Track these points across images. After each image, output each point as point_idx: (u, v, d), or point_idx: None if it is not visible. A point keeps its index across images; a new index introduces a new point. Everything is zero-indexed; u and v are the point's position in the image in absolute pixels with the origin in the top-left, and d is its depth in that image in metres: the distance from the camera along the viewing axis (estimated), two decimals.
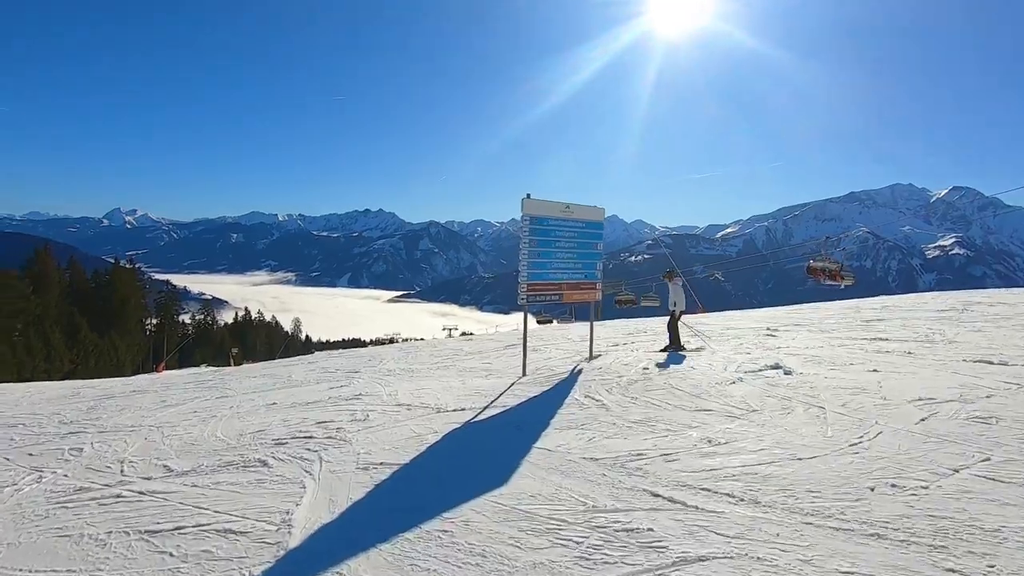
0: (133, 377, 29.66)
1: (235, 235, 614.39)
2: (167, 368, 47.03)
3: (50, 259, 55.93)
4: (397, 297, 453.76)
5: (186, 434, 7.14)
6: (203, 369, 39.35)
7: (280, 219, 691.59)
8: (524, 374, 9.50)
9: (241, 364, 49.12)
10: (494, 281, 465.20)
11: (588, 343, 11.32)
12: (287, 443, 5.96)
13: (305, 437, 6.12)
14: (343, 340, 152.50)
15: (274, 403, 9.02)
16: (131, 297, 62.94)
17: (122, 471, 5.62)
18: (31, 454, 7.34)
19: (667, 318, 11.61)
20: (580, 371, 9.17)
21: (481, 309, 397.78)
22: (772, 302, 35.03)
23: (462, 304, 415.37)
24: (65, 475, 5.73)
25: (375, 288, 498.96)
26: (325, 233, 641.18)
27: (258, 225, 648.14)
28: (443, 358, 14.29)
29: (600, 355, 11.05)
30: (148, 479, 5.26)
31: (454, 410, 7.10)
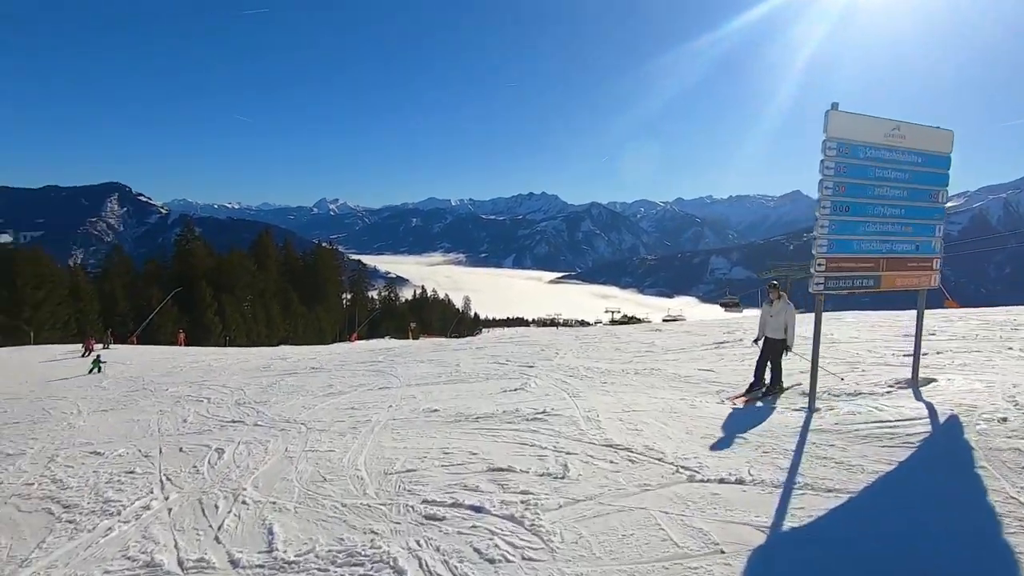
0: (329, 346, 32.19)
1: (415, 220, 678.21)
2: (359, 338, 51.78)
3: (270, 242, 65.21)
4: (559, 278, 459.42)
5: (327, 452, 5.47)
6: (387, 341, 42.03)
7: (453, 204, 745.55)
8: (813, 406, 5.83)
9: (418, 338, 52.03)
10: (657, 263, 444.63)
11: (874, 352, 7.55)
12: (444, 519, 3.67)
13: (471, 508, 3.79)
14: (507, 318, 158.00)
15: (436, 410, 7.14)
16: (331, 275, 71.02)
17: (216, 536, 3.89)
18: (181, 449, 6.36)
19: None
20: (930, 417, 4.96)
21: (642, 292, 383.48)
22: (1010, 295, 25.04)
23: (623, 286, 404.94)
24: (169, 509, 4.28)
25: (537, 269, 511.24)
26: (492, 216, 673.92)
27: (434, 210, 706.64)
28: (634, 354, 11.47)
29: (933, 381, 6.35)
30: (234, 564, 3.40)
31: (714, 480, 4.10)
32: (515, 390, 8.27)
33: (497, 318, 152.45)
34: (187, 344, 32.39)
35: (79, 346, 24.49)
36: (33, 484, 5.48)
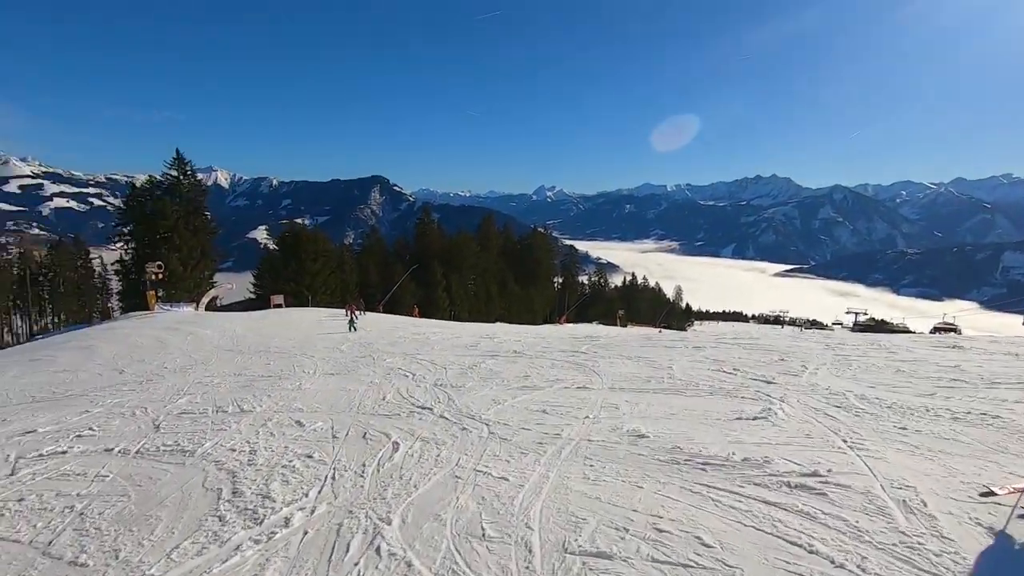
0: (538, 327, 32.65)
1: (628, 206, 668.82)
2: (568, 321, 52.37)
3: (492, 226, 69.97)
4: (787, 271, 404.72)
5: (499, 481, 4.26)
6: (594, 327, 41.31)
7: (668, 189, 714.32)
8: None
9: (626, 326, 50.28)
10: (921, 257, 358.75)
11: None
12: None
13: None
14: (723, 312, 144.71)
15: (644, 435, 5.44)
16: (545, 258, 73.35)
17: None
18: (365, 435, 5.92)
19: None
20: None
21: (897, 291, 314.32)
22: None
23: (870, 284, 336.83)
24: (305, 531, 3.52)
25: (761, 260, 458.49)
26: (711, 202, 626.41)
27: (648, 196, 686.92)
28: (934, 383, 7.95)
29: None
30: None
31: None
32: (754, 419, 6.07)
33: (711, 311, 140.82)
34: (419, 316, 36.29)
35: (343, 310, 29.04)
36: (234, 451, 5.52)
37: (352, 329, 20.16)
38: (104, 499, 4.31)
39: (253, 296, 41.08)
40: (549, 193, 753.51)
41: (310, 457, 5.21)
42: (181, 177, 36.71)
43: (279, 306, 33.61)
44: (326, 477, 4.61)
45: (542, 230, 78.37)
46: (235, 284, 44.35)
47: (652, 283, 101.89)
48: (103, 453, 5.65)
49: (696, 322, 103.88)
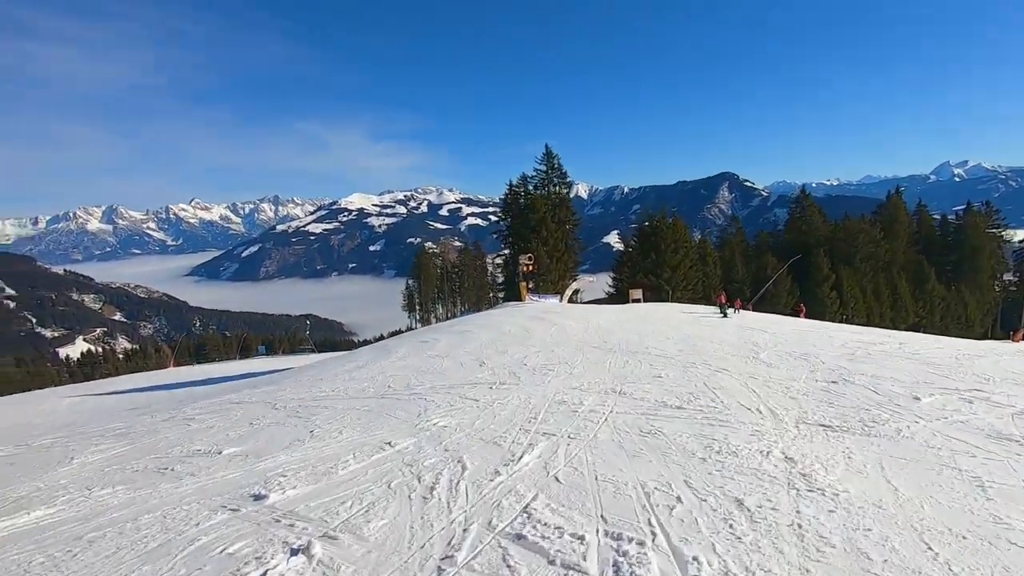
0: (983, 344, 19.27)
1: None
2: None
3: (901, 205, 52.81)
4: None
5: None
6: None
7: None
8: None
9: None
10: None
11: None
12: None
13: None
14: None
15: None
16: (984, 247, 51.21)
17: None
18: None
19: None
20: None
21: None
22: None
23: None
24: None
25: None
26: None
27: None
28: None
29: None
30: None
31: None
32: None
33: None
34: (805, 316, 28.01)
35: (712, 306, 24.76)
36: None
37: (723, 315, 19.95)
38: None
39: (612, 291, 40.03)
40: (958, 170, 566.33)
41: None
42: (549, 171, 38.32)
43: (637, 301, 30.86)
44: None
45: (980, 207, 55.25)
46: (595, 279, 44.51)
47: None
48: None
49: None
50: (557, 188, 38.87)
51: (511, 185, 38.38)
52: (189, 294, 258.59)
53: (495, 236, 41.89)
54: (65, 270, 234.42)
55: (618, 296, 36.81)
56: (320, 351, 60.79)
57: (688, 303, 31.97)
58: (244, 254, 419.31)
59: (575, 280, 37.93)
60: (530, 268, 32.03)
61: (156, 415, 10.09)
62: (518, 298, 31.02)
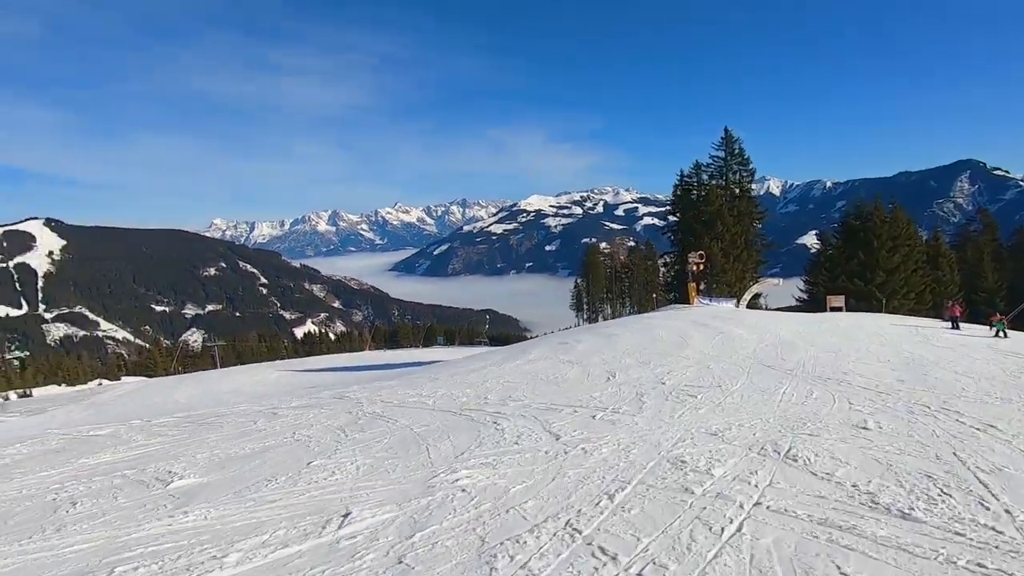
0: None
1: None
2: None
3: None
4: None
5: None
6: None
7: None
8: None
9: None
10: None
11: None
12: None
13: None
14: None
15: None
16: None
17: None
18: None
19: None
20: None
21: None
22: None
23: None
24: None
25: None
26: None
27: None
28: None
29: None
30: None
31: None
32: None
33: None
34: None
35: (938, 319, 18.91)
36: None
37: (1001, 334, 15.16)
38: None
39: (804, 297, 33.75)
40: None
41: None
42: (728, 157, 33.48)
43: (837, 309, 25.28)
44: None
45: None
46: (781, 283, 38.21)
47: None
48: None
49: None
50: (737, 177, 33.77)
51: (682, 175, 34.43)
52: (390, 287, 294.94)
53: (665, 234, 38.28)
54: (301, 264, 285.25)
55: (812, 304, 30.78)
56: (492, 344, 63.32)
57: (910, 315, 25.29)
58: (435, 252, 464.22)
59: (756, 282, 32.75)
60: (700, 267, 28.30)
61: (288, 400, 10.30)
62: (686, 300, 27.67)
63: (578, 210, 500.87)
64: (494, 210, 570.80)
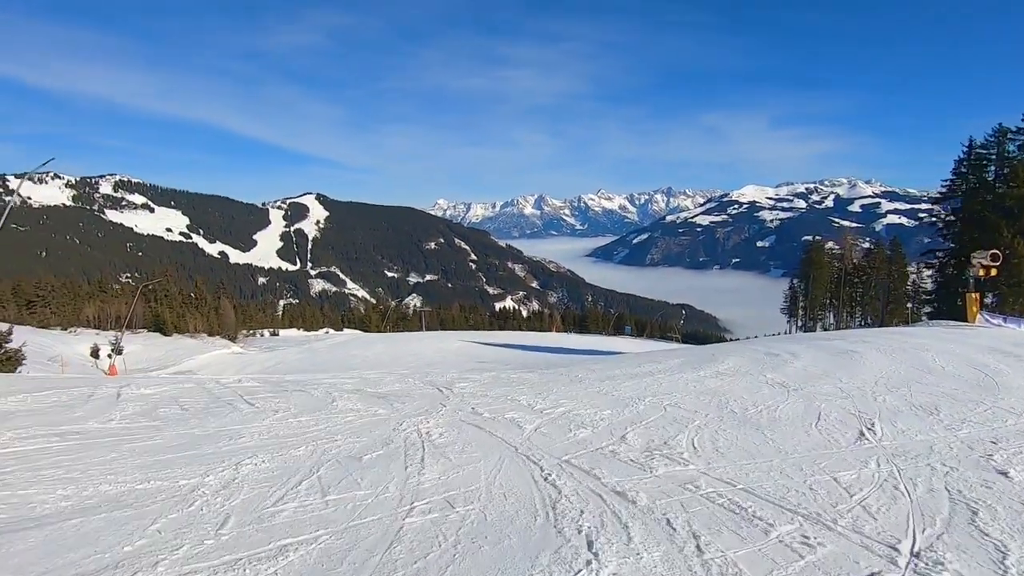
0: None
1: None
2: None
3: None
4: None
5: None
6: None
7: None
8: None
9: None
10: None
11: None
12: None
13: None
14: None
15: None
16: None
17: None
18: None
19: None
20: None
21: None
22: None
23: None
24: None
25: None
26: None
27: None
28: None
29: None
30: None
31: None
32: None
33: None
34: None
35: None
36: None
37: None
38: None
39: None
40: None
41: None
42: None
43: None
44: None
45: None
46: None
47: None
48: None
49: None
50: None
51: (971, 145, 25.27)
52: (586, 272, 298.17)
53: (935, 223, 29.04)
54: (507, 244, 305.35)
55: None
56: (684, 342, 58.35)
57: None
58: (635, 241, 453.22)
59: None
60: (990, 272, 20.45)
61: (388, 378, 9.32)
62: (958, 316, 20.44)
63: (801, 203, 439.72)
64: (701, 200, 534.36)
